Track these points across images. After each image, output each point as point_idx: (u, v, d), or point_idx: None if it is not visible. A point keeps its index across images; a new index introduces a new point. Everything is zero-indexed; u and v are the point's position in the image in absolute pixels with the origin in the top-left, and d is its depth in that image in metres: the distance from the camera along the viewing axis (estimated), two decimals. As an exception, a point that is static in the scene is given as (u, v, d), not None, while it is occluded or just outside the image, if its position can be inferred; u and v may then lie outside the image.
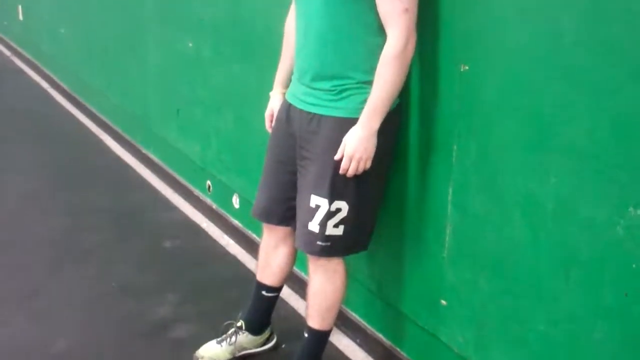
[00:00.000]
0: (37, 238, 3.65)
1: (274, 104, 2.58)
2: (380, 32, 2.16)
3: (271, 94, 2.61)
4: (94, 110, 5.56)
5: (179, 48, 3.96)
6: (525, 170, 1.99)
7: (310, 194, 2.30)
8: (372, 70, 2.20)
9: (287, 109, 2.43)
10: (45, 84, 6.63)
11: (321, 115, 2.29)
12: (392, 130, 2.33)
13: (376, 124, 2.19)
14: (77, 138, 5.30)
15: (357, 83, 2.24)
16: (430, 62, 2.27)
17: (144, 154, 4.75)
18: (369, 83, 2.21)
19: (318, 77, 2.29)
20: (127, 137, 4.98)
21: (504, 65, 2.00)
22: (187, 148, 4.08)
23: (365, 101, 2.21)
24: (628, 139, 1.70)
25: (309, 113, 2.32)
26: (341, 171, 2.23)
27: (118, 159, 4.88)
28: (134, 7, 4.49)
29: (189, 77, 3.93)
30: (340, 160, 2.23)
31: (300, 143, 2.35)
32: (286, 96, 2.48)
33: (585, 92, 1.78)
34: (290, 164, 2.42)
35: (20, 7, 7.14)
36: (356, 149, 2.20)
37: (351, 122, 2.22)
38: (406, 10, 2.11)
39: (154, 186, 4.42)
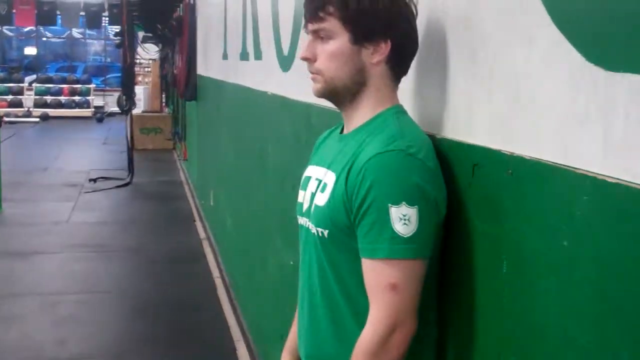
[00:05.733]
0: None
1: None
2: None
3: None
4: (239, 311, 5.12)
5: (284, 264, 3.42)
6: None
7: None
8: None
9: None
10: (216, 273, 6.39)
11: None
12: None
13: None
14: (212, 343, 4.90)
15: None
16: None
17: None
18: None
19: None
20: (255, 348, 4.43)
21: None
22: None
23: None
24: None
25: None
26: None
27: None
28: (262, 211, 4.07)
29: (291, 298, 3.33)
30: None
31: None
32: None
33: None
34: None
35: (212, 192, 7.10)
36: None
37: None
38: (393, 286, 1.41)
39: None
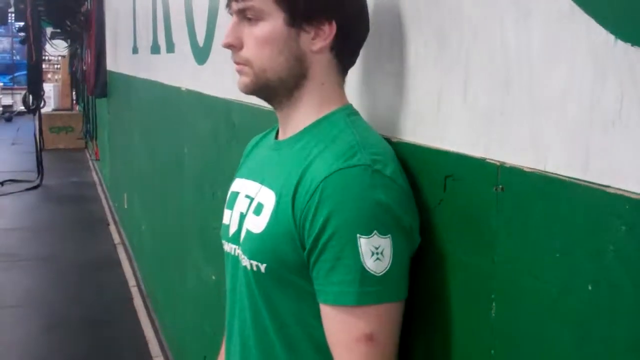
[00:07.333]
0: None
1: None
2: None
3: None
4: (157, 325, 4.73)
5: (204, 279, 3.07)
6: None
7: None
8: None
9: None
10: (132, 282, 5.97)
11: None
12: None
13: None
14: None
15: None
16: None
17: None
18: None
19: None
20: (176, 368, 4.07)
21: None
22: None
23: None
24: None
25: None
26: None
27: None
28: (180, 219, 3.71)
29: (212, 316, 3.00)
30: None
31: None
32: None
33: None
34: None
35: (125, 194, 6.66)
36: None
37: None
38: (369, 337, 1.09)
39: None
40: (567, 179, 0.87)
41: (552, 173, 0.90)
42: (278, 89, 1.27)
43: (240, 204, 1.33)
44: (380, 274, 1.12)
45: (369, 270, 1.11)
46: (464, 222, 1.09)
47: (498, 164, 1.01)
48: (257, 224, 1.24)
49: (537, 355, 0.94)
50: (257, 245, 1.24)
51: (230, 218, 1.37)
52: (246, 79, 1.27)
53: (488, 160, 1.03)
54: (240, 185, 1.38)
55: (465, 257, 1.09)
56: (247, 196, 1.32)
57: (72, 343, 4.87)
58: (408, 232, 1.16)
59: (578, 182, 0.85)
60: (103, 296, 5.77)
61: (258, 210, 1.25)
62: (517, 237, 0.97)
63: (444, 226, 1.15)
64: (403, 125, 1.28)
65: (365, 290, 1.12)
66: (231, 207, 1.38)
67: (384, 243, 1.11)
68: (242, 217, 1.31)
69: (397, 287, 1.15)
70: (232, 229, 1.35)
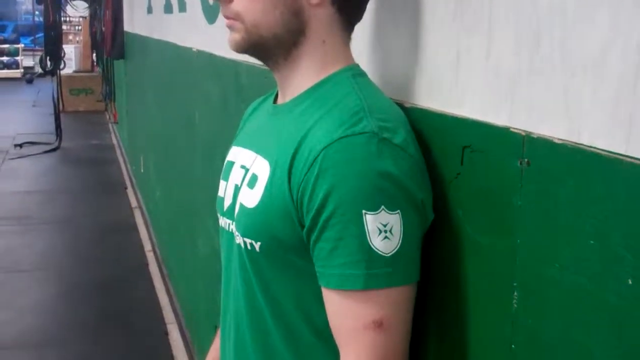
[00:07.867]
0: None
1: None
2: None
3: None
4: (172, 291, 4.67)
5: (215, 248, 2.97)
6: None
7: None
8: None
9: None
10: (148, 246, 5.92)
11: None
12: None
13: None
14: (143, 327, 4.48)
15: None
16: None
17: (194, 366, 3.74)
18: None
19: None
20: (188, 334, 4.00)
21: None
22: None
23: None
24: None
25: None
26: None
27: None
28: (191, 186, 3.61)
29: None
30: None
31: None
32: None
33: None
34: None
35: (142, 157, 6.58)
36: None
37: None
38: (378, 324, 1.01)
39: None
40: (605, 152, 0.74)
41: (587, 146, 0.77)
42: (273, 47, 1.14)
43: (235, 175, 1.22)
44: (390, 254, 1.00)
45: (376, 250, 1.00)
46: (483, 199, 0.96)
47: (524, 133, 0.87)
48: (250, 198, 1.13)
49: (564, 355, 0.82)
50: (250, 221, 1.13)
51: (225, 190, 1.26)
52: (237, 36, 1.15)
53: (512, 130, 0.90)
54: (236, 154, 1.27)
55: (483, 239, 0.97)
56: (242, 166, 1.21)
57: (86, 307, 4.84)
58: (420, 207, 1.03)
59: (618, 156, 0.72)
60: (119, 260, 5.74)
61: (252, 182, 1.14)
62: (544, 219, 0.84)
63: (460, 203, 1.02)
64: (417, 89, 1.15)
65: (373, 272, 1.01)
66: (226, 178, 1.27)
67: (393, 219, 0.99)
68: (237, 189, 1.20)
69: (408, 268, 1.04)
70: (227, 203, 1.24)
